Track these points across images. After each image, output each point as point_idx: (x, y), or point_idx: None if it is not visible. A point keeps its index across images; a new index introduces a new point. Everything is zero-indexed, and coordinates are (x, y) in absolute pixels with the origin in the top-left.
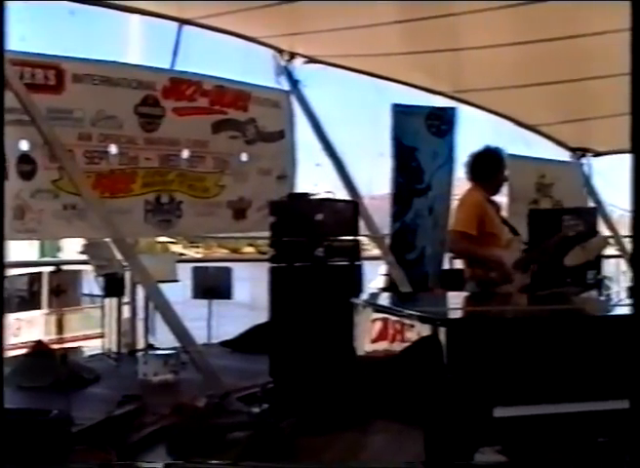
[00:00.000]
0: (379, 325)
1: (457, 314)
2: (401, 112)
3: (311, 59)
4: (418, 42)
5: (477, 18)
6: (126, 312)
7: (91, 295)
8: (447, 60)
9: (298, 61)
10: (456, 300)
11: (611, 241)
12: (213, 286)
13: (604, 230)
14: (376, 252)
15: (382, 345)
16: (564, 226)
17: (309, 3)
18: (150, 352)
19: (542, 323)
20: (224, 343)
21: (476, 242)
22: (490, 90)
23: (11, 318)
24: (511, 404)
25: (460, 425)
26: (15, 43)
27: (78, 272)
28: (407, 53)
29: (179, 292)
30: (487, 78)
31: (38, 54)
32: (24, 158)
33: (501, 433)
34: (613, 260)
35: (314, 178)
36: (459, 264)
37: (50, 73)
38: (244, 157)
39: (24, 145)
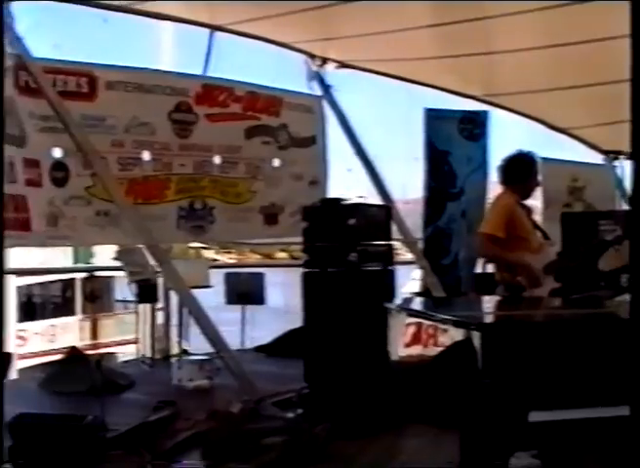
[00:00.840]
0: (412, 329)
1: (491, 318)
2: (434, 116)
3: (343, 64)
4: (449, 46)
5: (509, 21)
6: (160, 318)
7: (124, 301)
8: (479, 64)
9: (329, 66)
10: (489, 305)
11: None
12: (246, 291)
13: None
14: (408, 256)
15: (416, 350)
16: (601, 231)
17: (341, 8)
18: (185, 358)
19: (577, 326)
20: (259, 348)
21: (504, 245)
22: (522, 93)
23: (45, 324)
24: (546, 408)
25: (496, 430)
26: (48, 50)
27: (111, 278)
28: (439, 57)
29: (211, 297)
30: (519, 81)
31: (71, 61)
32: (58, 165)
33: (537, 437)
34: None
35: (347, 183)
36: (491, 268)
37: (83, 80)
38: (276, 162)
39: (58, 153)
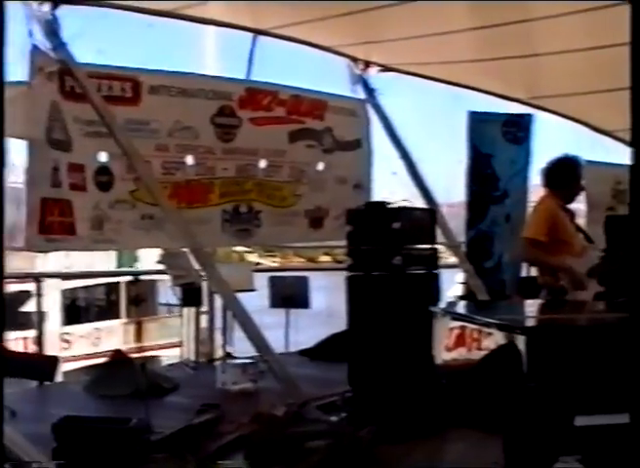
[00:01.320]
0: (457, 333)
1: (536, 322)
2: (477, 119)
3: (386, 68)
4: (493, 49)
5: (553, 23)
6: (204, 321)
7: (168, 305)
8: (523, 67)
9: (373, 70)
10: (533, 308)
11: None
12: (290, 295)
13: None
14: (452, 260)
15: (461, 353)
16: None
17: (384, 11)
18: (229, 361)
19: (623, 330)
20: (303, 352)
21: (547, 249)
22: (567, 95)
23: (90, 327)
24: (592, 412)
25: (541, 434)
26: (92, 56)
27: (155, 282)
28: (482, 60)
29: (255, 301)
30: (564, 84)
31: (115, 66)
32: (102, 169)
33: (582, 442)
34: None
35: (391, 187)
36: (535, 272)
37: (127, 85)
38: (321, 166)
39: (103, 157)
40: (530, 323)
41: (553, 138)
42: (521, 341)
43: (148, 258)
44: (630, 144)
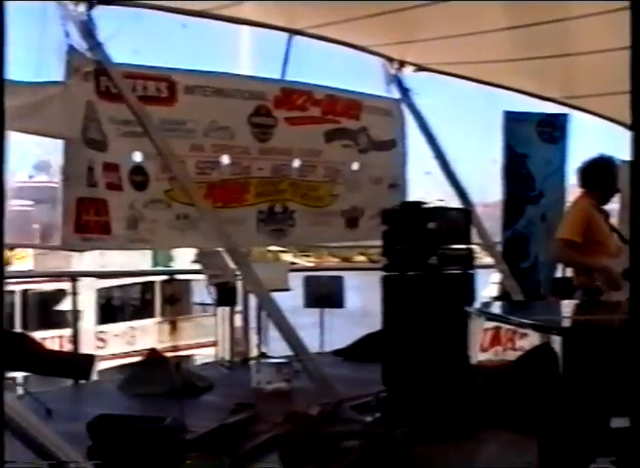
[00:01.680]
0: (492, 333)
1: (571, 323)
2: (513, 119)
3: (421, 67)
4: (528, 48)
5: (588, 22)
6: (238, 321)
7: (203, 304)
8: (558, 66)
9: (408, 70)
10: (568, 309)
11: None
12: (325, 294)
13: None
14: (487, 260)
15: (496, 354)
16: None
17: (419, 11)
18: (263, 360)
19: None
20: (337, 352)
21: (582, 249)
22: (603, 95)
23: (125, 326)
24: (628, 414)
25: (576, 435)
26: (128, 56)
27: (190, 281)
28: (517, 59)
29: (289, 300)
30: (599, 83)
31: (151, 66)
32: (137, 169)
33: (618, 444)
34: None
35: (426, 187)
36: (570, 272)
37: (162, 85)
38: (356, 166)
39: (138, 157)
40: (565, 323)
41: (589, 138)
42: (557, 342)
43: (183, 258)
44: (631, 143)
